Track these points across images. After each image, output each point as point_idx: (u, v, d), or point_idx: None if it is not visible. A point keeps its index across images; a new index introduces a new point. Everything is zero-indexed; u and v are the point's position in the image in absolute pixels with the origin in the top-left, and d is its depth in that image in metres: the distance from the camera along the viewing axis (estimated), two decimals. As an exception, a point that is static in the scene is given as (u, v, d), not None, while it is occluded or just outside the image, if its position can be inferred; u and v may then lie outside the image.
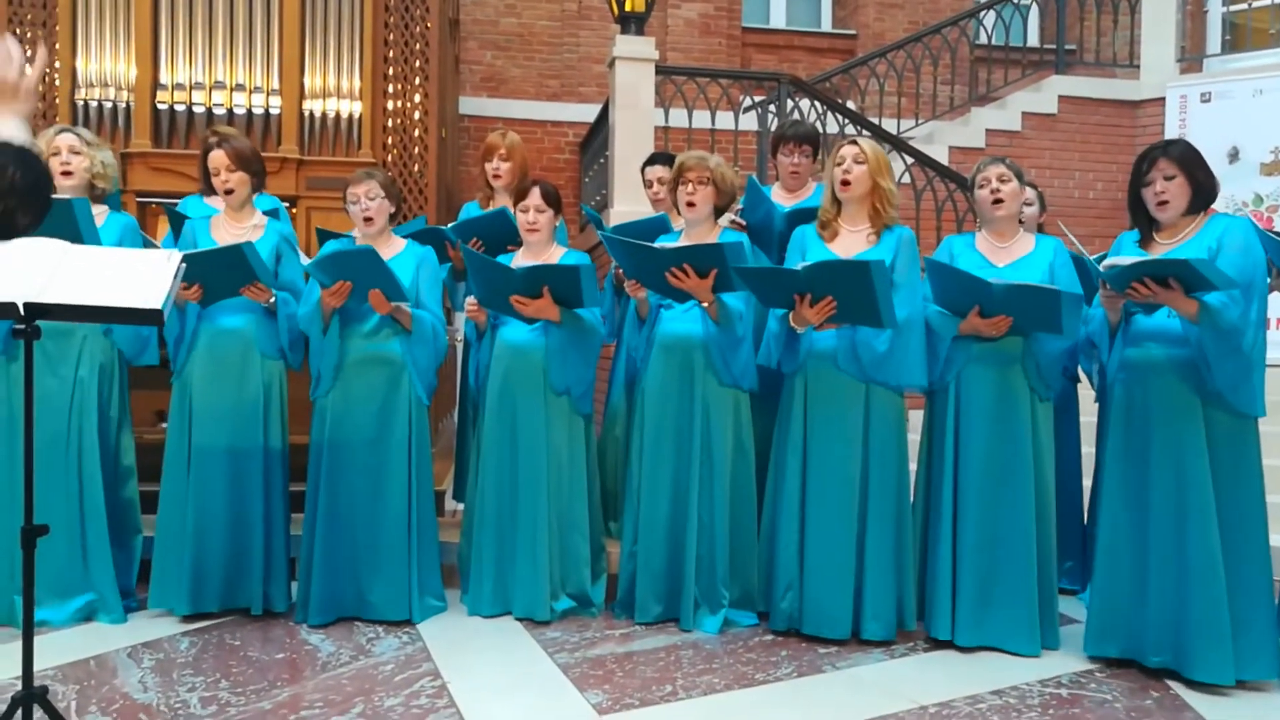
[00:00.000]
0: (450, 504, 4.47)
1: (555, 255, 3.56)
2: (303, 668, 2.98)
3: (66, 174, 3.40)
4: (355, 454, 3.38)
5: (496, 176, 4.08)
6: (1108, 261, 2.89)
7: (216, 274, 3.24)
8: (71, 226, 3.08)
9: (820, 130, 5.87)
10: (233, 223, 3.51)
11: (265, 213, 3.65)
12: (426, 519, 3.46)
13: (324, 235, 3.98)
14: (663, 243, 3.39)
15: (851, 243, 3.28)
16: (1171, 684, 2.90)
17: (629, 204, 5.55)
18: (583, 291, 3.35)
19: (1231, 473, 2.90)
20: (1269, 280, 3.09)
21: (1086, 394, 3.76)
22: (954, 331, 3.22)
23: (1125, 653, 3.01)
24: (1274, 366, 3.08)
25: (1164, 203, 2.94)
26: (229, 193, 3.47)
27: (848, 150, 3.27)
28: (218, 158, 3.44)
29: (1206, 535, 2.85)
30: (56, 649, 3.04)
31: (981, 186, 3.27)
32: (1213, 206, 3.02)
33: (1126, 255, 2.95)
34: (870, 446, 3.24)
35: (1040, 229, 3.80)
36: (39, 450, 3.20)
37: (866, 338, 3.18)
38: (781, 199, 3.82)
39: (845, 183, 3.24)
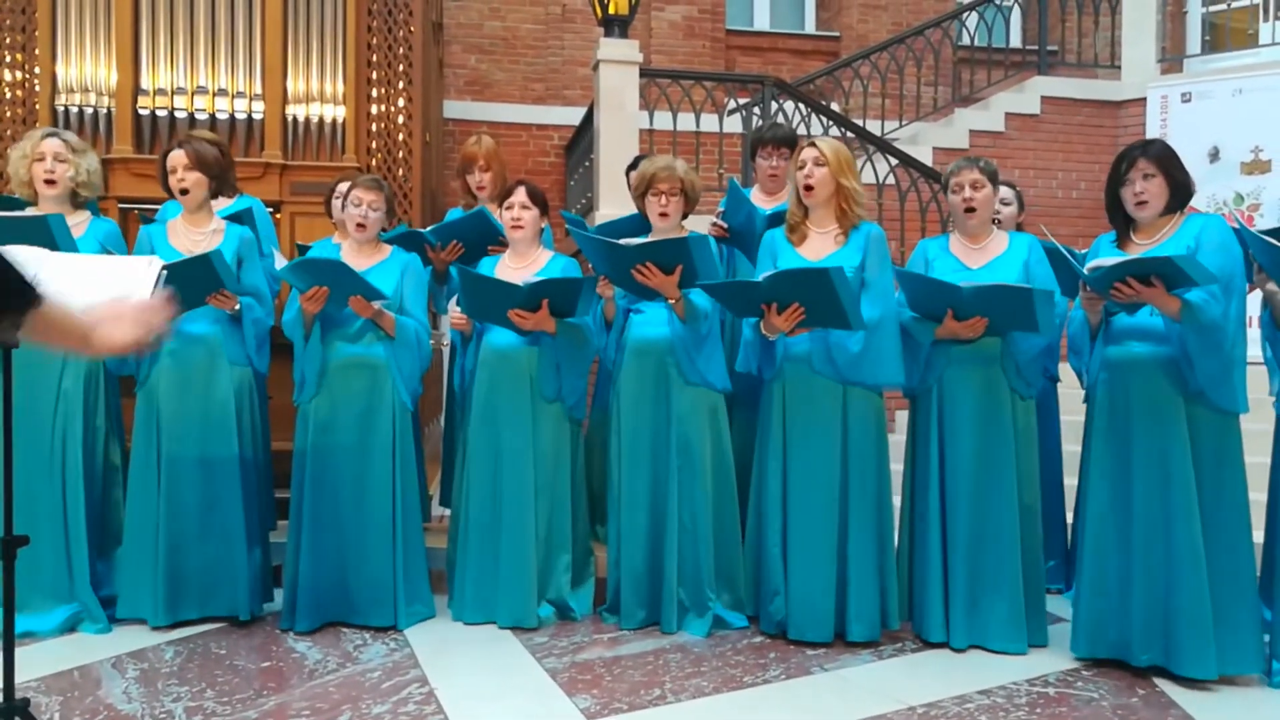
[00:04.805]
0: (437, 510, 4.45)
1: (542, 259, 3.55)
2: (289, 676, 2.96)
3: (50, 182, 3.37)
4: (339, 459, 3.36)
5: (480, 189, 4.06)
6: (1091, 264, 2.91)
7: (183, 285, 3.14)
8: (49, 244, 3.03)
9: (806, 132, 5.91)
10: (191, 227, 3.44)
11: (235, 215, 3.60)
12: (412, 525, 3.45)
13: (301, 250, 3.94)
14: (629, 240, 3.38)
15: (820, 245, 3.28)
16: (1158, 682, 2.92)
17: (614, 207, 5.54)
18: (580, 302, 3.34)
19: (1214, 469, 2.91)
20: (1251, 277, 3.11)
21: (1067, 393, 3.78)
22: (931, 337, 3.23)
23: (1113, 653, 3.02)
24: (1256, 364, 3.09)
25: (1143, 202, 2.95)
26: (184, 193, 3.38)
27: (807, 153, 3.26)
28: (176, 157, 3.37)
29: (1190, 532, 2.87)
30: (39, 660, 3.01)
31: (955, 192, 3.28)
32: (1191, 205, 3.04)
33: (1106, 257, 2.97)
34: (849, 448, 3.24)
35: (1019, 228, 3.82)
36: (25, 461, 3.18)
37: (840, 339, 3.19)
38: (761, 201, 3.83)
39: (809, 188, 3.24)
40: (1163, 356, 2.93)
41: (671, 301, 3.31)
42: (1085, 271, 2.91)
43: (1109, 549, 3.02)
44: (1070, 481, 3.51)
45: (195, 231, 3.43)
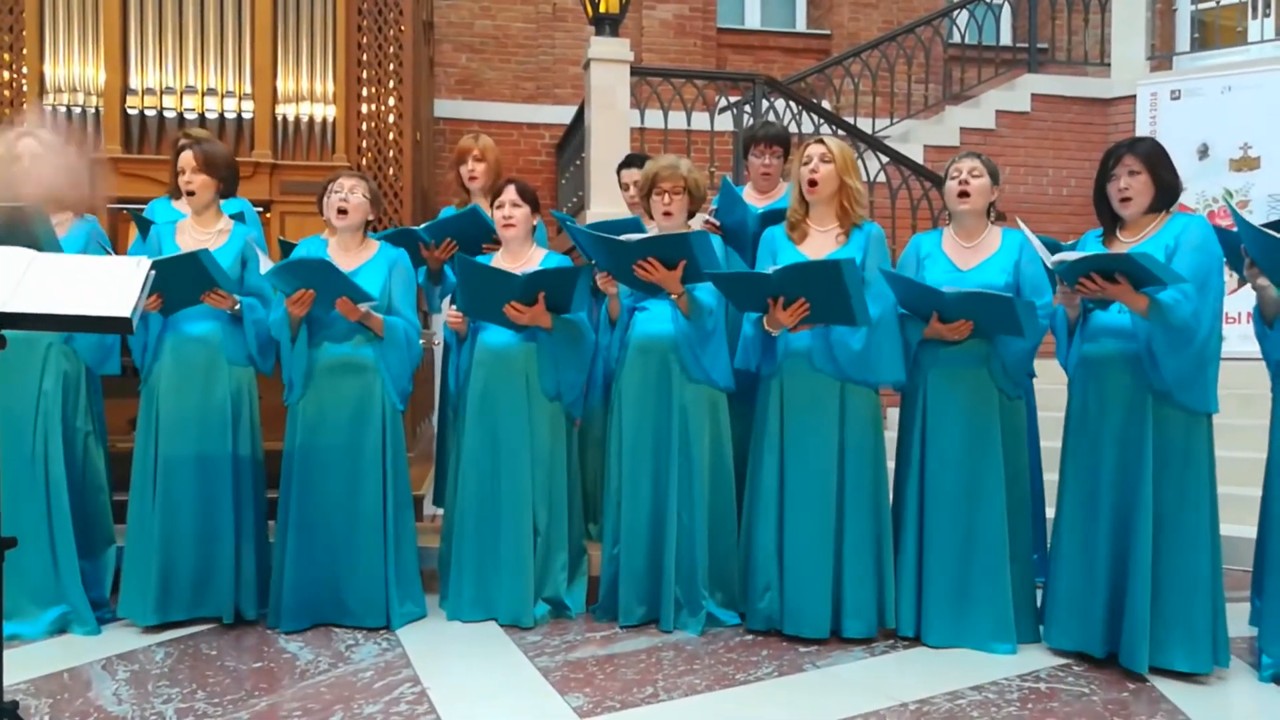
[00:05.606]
0: (429, 509, 4.44)
1: (536, 256, 3.54)
2: (281, 676, 2.95)
3: None
4: (328, 460, 3.35)
5: (473, 179, 4.06)
6: (1057, 257, 2.91)
7: (175, 282, 3.16)
8: (30, 235, 3.00)
9: (797, 130, 5.92)
10: (198, 228, 3.46)
11: (232, 215, 3.61)
12: (403, 524, 3.44)
13: (286, 246, 3.93)
14: (630, 235, 3.37)
15: (821, 243, 3.28)
16: (1149, 677, 2.92)
17: (605, 205, 5.54)
18: (575, 295, 3.33)
19: (1179, 467, 2.91)
20: (1244, 269, 3.10)
21: (1044, 389, 3.78)
22: (920, 336, 3.24)
23: (1079, 645, 3.04)
24: (1235, 360, 3.09)
25: (1127, 199, 2.96)
26: (190, 194, 3.42)
27: (814, 149, 3.26)
28: (185, 158, 3.41)
29: (1142, 529, 2.87)
30: (28, 662, 2.99)
31: (952, 178, 3.28)
32: (1181, 203, 3.04)
33: (1084, 251, 2.97)
34: (846, 445, 3.24)
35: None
36: (7, 464, 3.16)
37: (842, 336, 3.19)
38: (753, 200, 3.83)
39: (813, 183, 3.24)
40: (1133, 353, 2.93)
41: (674, 297, 3.31)
42: (1051, 265, 2.92)
43: (1078, 544, 3.03)
44: (1049, 477, 3.53)
45: (202, 232, 3.44)
